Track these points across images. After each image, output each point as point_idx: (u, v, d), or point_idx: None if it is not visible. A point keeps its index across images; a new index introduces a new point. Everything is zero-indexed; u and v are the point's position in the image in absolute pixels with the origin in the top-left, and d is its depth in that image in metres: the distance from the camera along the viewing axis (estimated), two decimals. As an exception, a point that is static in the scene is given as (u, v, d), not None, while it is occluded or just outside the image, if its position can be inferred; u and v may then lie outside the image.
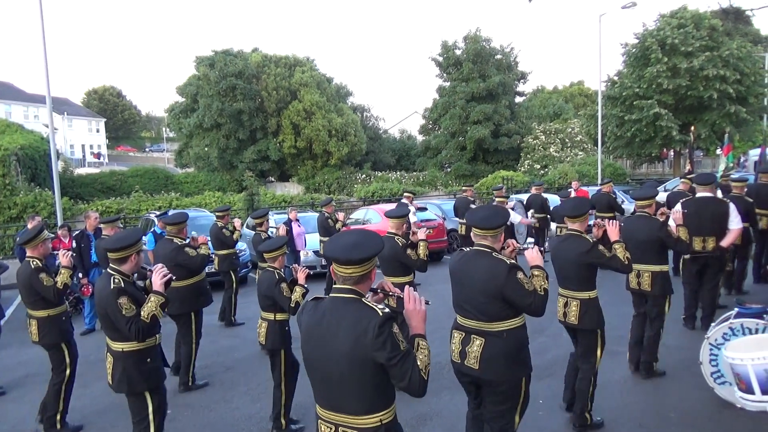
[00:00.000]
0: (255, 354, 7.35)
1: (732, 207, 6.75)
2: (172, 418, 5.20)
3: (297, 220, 11.22)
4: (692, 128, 18.01)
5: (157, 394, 4.06)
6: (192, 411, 5.67)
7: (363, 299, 2.53)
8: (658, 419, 4.83)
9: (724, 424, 4.67)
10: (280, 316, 4.99)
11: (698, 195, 7.03)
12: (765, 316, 4.74)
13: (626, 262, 4.59)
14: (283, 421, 5.01)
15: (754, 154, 21.49)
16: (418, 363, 2.45)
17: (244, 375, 6.62)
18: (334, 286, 2.63)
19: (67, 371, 5.19)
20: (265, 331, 5.03)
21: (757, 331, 4.66)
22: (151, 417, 3.99)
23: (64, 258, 5.08)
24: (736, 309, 5.02)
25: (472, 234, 3.72)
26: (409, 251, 5.76)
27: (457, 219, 13.12)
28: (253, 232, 9.25)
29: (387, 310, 2.47)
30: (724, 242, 6.66)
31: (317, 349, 2.54)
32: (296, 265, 5.21)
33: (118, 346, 3.93)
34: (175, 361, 6.53)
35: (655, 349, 5.72)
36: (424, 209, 14.90)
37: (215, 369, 6.87)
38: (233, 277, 8.93)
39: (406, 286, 2.71)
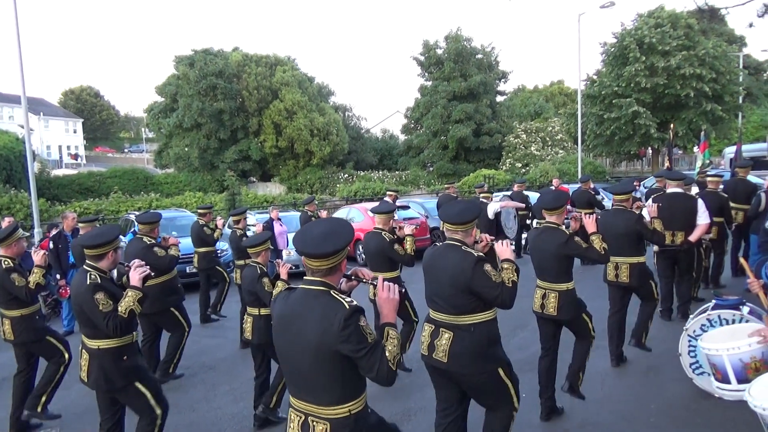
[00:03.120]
0: (237, 353, 7.30)
1: (700, 202, 6.90)
2: (153, 418, 5.14)
3: (279, 219, 11.15)
4: (671, 125, 18.31)
5: (147, 380, 4.07)
6: (173, 411, 5.51)
7: (332, 292, 2.54)
8: (639, 410, 4.90)
9: (702, 413, 4.75)
10: (264, 311, 4.97)
11: (669, 191, 7.17)
12: (741, 307, 4.82)
13: (603, 252, 4.71)
14: (275, 398, 4.99)
15: (730, 151, 21.90)
16: (387, 354, 2.47)
17: (226, 374, 6.57)
18: (304, 277, 2.63)
19: (66, 354, 5.22)
20: (251, 326, 5.03)
21: (734, 322, 4.74)
22: (153, 401, 4.01)
23: (37, 257, 5.00)
24: (714, 301, 5.11)
25: (444, 228, 3.75)
26: (396, 246, 5.78)
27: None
28: (229, 236, 9.24)
29: (354, 303, 2.49)
30: (693, 237, 6.81)
31: (286, 340, 2.57)
32: (279, 260, 5.20)
33: (94, 343, 3.89)
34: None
35: (647, 321, 6.00)
36: (407, 207, 14.92)
37: (197, 369, 6.81)
38: (223, 272, 9.06)
39: (380, 277, 2.72)
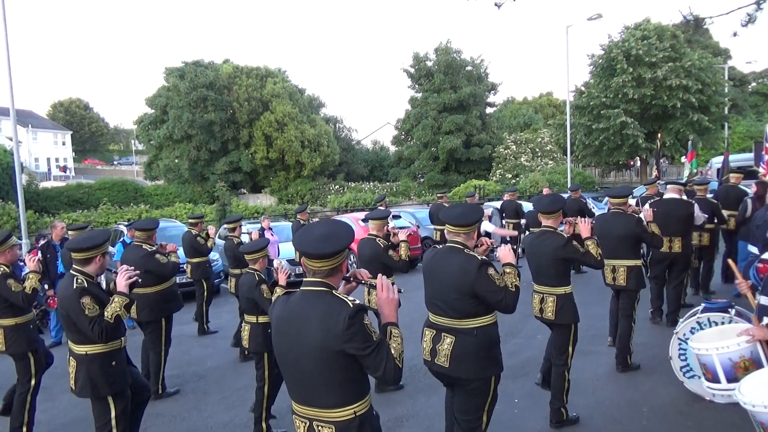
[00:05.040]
0: (228, 362, 7.25)
1: (696, 207, 6.98)
2: (143, 428, 5.08)
3: (270, 228, 11.13)
4: (659, 135, 18.55)
5: (121, 398, 3.95)
6: (163, 420, 5.54)
7: (334, 291, 2.50)
8: (631, 414, 4.91)
9: (693, 416, 4.77)
10: (262, 319, 4.93)
11: (666, 196, 7.23)
12: (730, 310, 4.86)
13: (599, 258, 4.73)
14: (264, 425, 4.92)
15: (717, 161, 22.16)
16: (392, 351, 2.44)
17: (216, 383, 6.51)
18: (304, 279, 2.59)
19: (32, 381, 5.00)
20: (248, 334, 4.99)
21: (722, 324, 4.78)
22: (113, 422, 3.88)
23: (31, 262, 4.93)
24: (703, 304, 5.16)
25: (445, 231, 3.73)
26: (390, 252, 5.77)
27: (433, 226, 13.21)
28: (224, 241, 9.16)
29: (357, 301, 2.45)
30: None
31: (288, 343, 2.51)
32: (277, 266, 5.14)
33: (81, 349, 3.83)
34: (143, 370, 6.39)
35: (627, 342, 5.87)
36: (398, 217, 14.96)
37: (187, 378, 6.74)
38: (205, 285, 8.78)
39: (380, 275, 2.70)
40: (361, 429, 2.46)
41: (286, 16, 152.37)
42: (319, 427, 2.47)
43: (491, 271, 3.43)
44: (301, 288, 2.58)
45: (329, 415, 2.45)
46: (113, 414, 3.88)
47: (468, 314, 3.48)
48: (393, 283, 2.67)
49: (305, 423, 2.51)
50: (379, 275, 2.68)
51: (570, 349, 4.73)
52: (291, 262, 11.94)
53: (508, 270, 3.58)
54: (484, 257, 3.54)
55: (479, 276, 3.38)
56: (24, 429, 4.98)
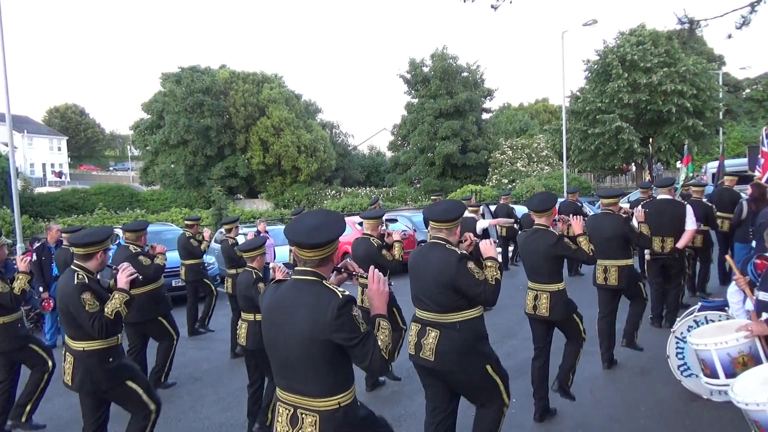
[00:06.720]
0: (224, 365, 7.22)
1: (689, 208, 6.96)
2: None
3: (266, 231, 11.10)
4: (651, 140, 18.64)
5: (137, 378, 4.01)
6: (159, 422, 5.45)
7: (324, 281, 2.53)
8: (629, 412, 4.91)
9: (692, 415, 4.76)
10: (260, 316, 4.89)
11: (658, 197, 7.25)
12: (727, 308, 4.87)
13: (591, 254, 4.78)
14: (269, 416, 4.87)
15: (712, 166, 22.25)
16: (379, 343, 2.47)
17: (213, 385, 6.48)
18: (295, 268, 2.62)
19: (49, 362, 5.12)
20: (246, 331, 4.97)
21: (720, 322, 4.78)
22: (145, 397, 3.97)
23: (21, 263, 4.92)
24: (700, 303, 5.17)
25: (429, 227, 3.76)
26: (384, 252, 5.76)
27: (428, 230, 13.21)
28: (221, 243, 9.14)
29: (347, 292, 2.48)
30: (680, 243, 6.85)
31: (276, 331, 2.54)
32: (275, 264, 5.13)
33: (78, 345, 3.82)
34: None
35: (637, 320, 6.05)
36: (394, 221, 14.96)
37: (183, 380, 6.71)
38: (210, 285, 8.94)
39: (371, 267, 2.72)
40: (345, 419, 2.49)
41: (282, 22, 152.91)
42: (303, 415, 2.48)
43: (471, 265, 3.46)
44: (292, 277, 2.61)
45: (313, 403, 2.47)
46: (140, 391, 3.99)
47: (451, 308, 3.51)
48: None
49: (289, 410, 2.53)
50: (372, 267, 2.70)
51: (582, 333, 4.89)
52: (287, 265, 11.88)
53: (489, 264, 3.61)
54: (464, 251, 3.57)
55: (459, 270, 3.42)
56: (27, 408, 5.09)
